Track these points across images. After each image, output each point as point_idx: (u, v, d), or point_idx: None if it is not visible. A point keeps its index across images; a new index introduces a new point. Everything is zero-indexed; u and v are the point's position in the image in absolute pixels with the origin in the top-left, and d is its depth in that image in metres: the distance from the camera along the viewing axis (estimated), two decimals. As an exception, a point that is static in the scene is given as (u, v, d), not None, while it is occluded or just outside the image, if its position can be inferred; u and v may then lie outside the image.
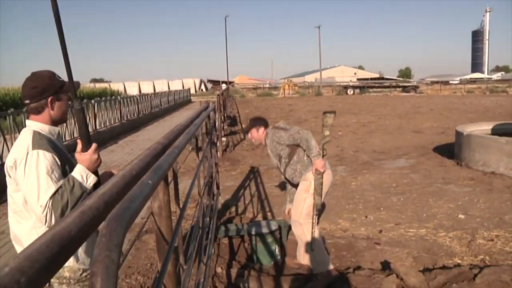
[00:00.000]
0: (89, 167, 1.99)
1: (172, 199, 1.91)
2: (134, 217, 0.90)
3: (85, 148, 1.99)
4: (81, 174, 1.97)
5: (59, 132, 2.29)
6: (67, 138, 13.99)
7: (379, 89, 51.07)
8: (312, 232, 4.09)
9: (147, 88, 60.18)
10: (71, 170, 2.05)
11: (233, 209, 6.25)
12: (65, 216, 0.87)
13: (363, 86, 50.60)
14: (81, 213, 0.89)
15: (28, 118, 2.18)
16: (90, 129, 14.03)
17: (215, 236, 4.41)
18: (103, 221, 0.98)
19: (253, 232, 4.46)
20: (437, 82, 58.89)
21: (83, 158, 1.99)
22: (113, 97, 17.70)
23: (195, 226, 2.53)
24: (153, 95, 24.72)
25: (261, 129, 4.51)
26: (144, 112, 20.99)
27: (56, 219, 1.90)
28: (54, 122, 2.20)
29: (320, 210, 4.47)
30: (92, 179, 2.00)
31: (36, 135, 2.07)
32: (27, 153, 1.99)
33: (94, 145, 2.01)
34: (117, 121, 16.68)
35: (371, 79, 62.99)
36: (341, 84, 53.50)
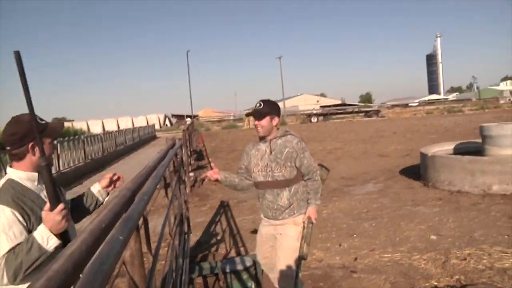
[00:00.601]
0: (51, 229, 1.83)
1: (143, 244, 1.83)
2: (107, 279, 0.82)
3: (51, 207, 1.84)
4: (42, 235, 1.83)
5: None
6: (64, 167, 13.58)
7: (342, 115, 52.07)
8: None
9: (111, 126, 59.40)
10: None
11: (206, 246, 6.11)
12: (32, 283, 0.78)
13: (327, 113, 51.48)
14: (47, 280, 0.81)
15: (10, 164, 2.10)
16: (53, 170, 13.78)
17: (189, 277, 4.27)
18: (72, 284, 0.90)
19: (227, 270, 4.35)
20: (397, 105, 60.70)
21: (47, 218, 1.84)
22: (76, 136, 17.32)
23: (168, 270, 2.42)
24: (117, 133, 24.41)
25: (276, 120, 3.55)
26: (108, 150, 20.66)
27: (8, 278, 1.81)
28: (38, 168, 2.08)
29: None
30: (53, 242, 1.84)
31: (6, 185, 2.00)
32: None
33: (59, 206, 1.85)
34: (81, 160, 16.32)
35: (334, 105, 64.16)
36: (305, 112, 54.23)
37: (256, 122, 3.49)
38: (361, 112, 53.47)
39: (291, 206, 3.47)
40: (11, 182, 2.02)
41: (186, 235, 4.56)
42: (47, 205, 1.85)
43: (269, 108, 3.49)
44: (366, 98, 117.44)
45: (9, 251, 1.82)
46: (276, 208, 3.48)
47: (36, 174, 2.08)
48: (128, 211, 1.32)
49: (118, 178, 2.59)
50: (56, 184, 2.09)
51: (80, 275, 0.88)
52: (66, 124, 53.13)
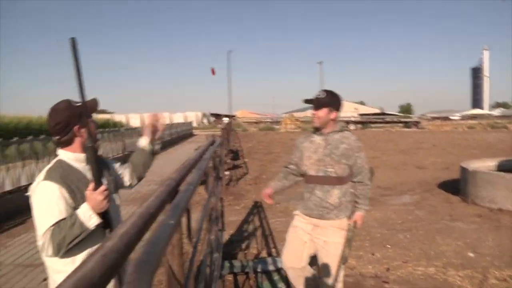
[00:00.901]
0: (94, 208, 1.96)
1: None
2: (159, 261, 0.85)
3: (95, 187, 1.97)
4: (85, 213, 1.94)
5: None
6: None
7: (380, 125, 51.30)
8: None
9: (149, 120, 60.39)
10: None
11: (237, 244, 6.14)
12: (87, 259, 0.81)
13: (365, 122, 50.83)
14: (103, 256, 0.84)
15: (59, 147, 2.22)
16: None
17: (220, 273, 4.30)
18: (123, 264, 0.93)
19: (259, 269, 4.37)
20: (437, 118, 59.29)
21: (90, 198, 1.97)
22: (116, 128, 17.73)
23: (203, 263, 2.46)
24: (156, 128, 24.71)
25: (334, 114, 3.29)
26: (146, 144, 20.95)
27: (52, 250, 1.92)
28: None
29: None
30: (94, 221, 1.96)
31: (56, 165, 2.12)
32: (37, 183, 2.04)
33: (101, 187, 1.99)
34: (120, 152, 16.67)
35: (373, 114, 63.31)
36: (343, 119, 53.73)
37: (314, 112, 3.28)
38: (401, 122, 52.58)
39: (340, 207, 3.26)
40: (60, 162, 2.14)
41: (219, 232, 4.60)
42: (91, 185, 1.98)
43: (329, 99, 3.28)
44: (406, 109, 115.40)
45: (54, 224, 1.93)
46: (324, 206, 3.26)
47: (83, 155, 2.17)
48: (176, 199, 1.36)
49: (157, 120, 2.68)
50: (101, 165, 2.24)
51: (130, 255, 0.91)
52: (107, 116, 54.55)
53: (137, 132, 19.65)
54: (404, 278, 4.88)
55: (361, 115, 62.48)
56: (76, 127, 2.13)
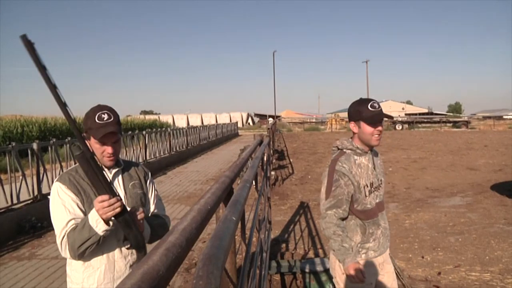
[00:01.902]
0: (100, 214, 1.88)
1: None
2: (227, 256, 0.85)
3: (99, 193, 1.88)
4: (93, 218, 1.89)
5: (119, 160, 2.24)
6: (151, 157, 14.41)
7: (428, 125, 49.97)
8: None
9: (195, 121, 61.43)
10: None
11: (284, 245, 6.13)
12: (150, 253, 0.83)
13: (412, 121, 49.61)
14: (166, 250, 0.86)
15: None
16: (140, 159, 14.29)
17: (267, 273, 4.30)
18: (185, 258, 0.94)
19: (306, 270, 4.33)
20: (489, 117, 57.10)
21: (95, 204, 1.89)
22: (163, 128, 18.08)
23: (254, 262, 2.45)
24: (201, 128, 25.10)
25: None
26: (192, 144, 21.33)
27: (69, 253, 1.95)
28: (99, 156, 2.13)
29: None
30: (101, 226, 1.89)
31: (73, 168, 2.16)
32: (54, 183, 2.10)
33: (99, 197, 1.86)
34: (166, 152, 17.00)
35: (420, 114, 61.81)
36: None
37: (379, 128, 2.69)
38: (449, 122, 50.95)
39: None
40: (78, 167, 2.09)
41: (266, 231, 4.60)
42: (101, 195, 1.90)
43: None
44: (455, 108, 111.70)
45: (67, 224, 1.97)
46: (388, 235, 2.90)
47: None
48: (235, 196, 1.37)
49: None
50: (125, 172, 2.27)
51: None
52: (154, 117, 55.76)
53: (183, 132, 19.96)
54: (456, 283, 4.72)
55: (408, 115, 61.12)
56: (84, 133, 2.08)
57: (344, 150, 2.74)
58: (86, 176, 1.99)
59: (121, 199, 1.88)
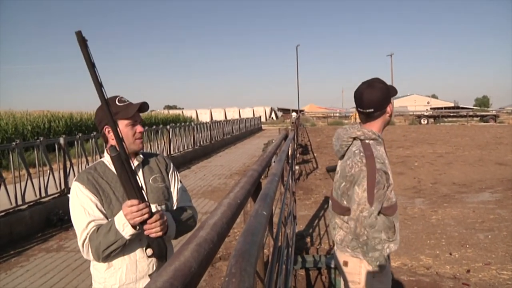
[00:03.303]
0: (128, 219, 1.82)
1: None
2: (260, 252, 0.82)
3: (128, 198, 1.80)
4: (120, 221, 1.83)
5: (144, 160, 2.17)
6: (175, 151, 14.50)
7: (454, 119, 49.06)
8: None
9: (218, 116, 61.60)
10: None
11: (308, 239, 6.10)
12: (181, 248, 0.80)
13: (438, 116, 48.78)
14: (198, 246, 0.83)
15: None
16: (165, 153, 14.45)
17: (293, 268, 4.27)
18: (216, 253, 0.92)
19: (332, 265, 4.28)
20: (519, 111, 55.66)
21: (124, 208, 1.82)
22: (187, 123, 18.18)
23: (281, 257, 2.43)
24: (225, 122, 25.16)
25: None
26: (216, 138, 21.41)
27: (92, 255, 1.90)
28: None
29: None
30: (128, 230, 1.83)
31: (92, 166, 2.08)
32: (73, 182, 2.03)
33: (129, 202, 1.79)
34: (190, 146, 17.11)
35: (445, 108, 60.70)
36: (414, 113, 51.87)
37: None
38: (477, 116, 49.88)
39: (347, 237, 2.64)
40: (98, 163, 2.09)
41: (291, 226, 4.57)
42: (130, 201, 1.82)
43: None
44: (482, 102, 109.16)
45: (88, 224, 1.91)
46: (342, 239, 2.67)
47: None
48: (264, 189, 1.34)
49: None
50: (147, 167, 2.17)
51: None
52: (177, 112, 56.14)
53: (207, 127, 20.04)
54: (487, 281, 4.60)
55: (433, 109, 60.11)
56: (105, 128, 2.04)
57: (367, 141, 2.44)
58: (104, 175, 2.01)
59: (149, 206, 1.82)
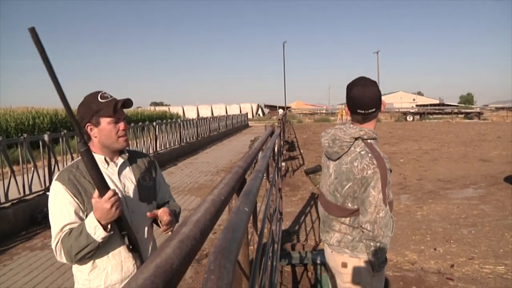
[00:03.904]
0: (100, 217, 1.74)
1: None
2: (239, 249, 0.82)
3: (100, 195, 1.73)
4: (90, 224, 1.76)
5: (129, 158, 2.11)
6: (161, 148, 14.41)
7: (439, 116, 49.58)
8: None
9: (205, 112, 61.46)
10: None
11: (295, 236, 6.12)
12: (163, 245, 0.80)
13: (423, 113, 49.24)
14: (180, 242, 0.83)
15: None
16: (151, 150, 14.40)
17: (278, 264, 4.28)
18: (199, 250, 0.91)
19: (318, 261, 4.30)
20: (502, 108, 56.34)
21: (96, 206, 1.74)
22: (174, 120, 18.10)
23: (266, 253, 2.43)
24: (211, 119, 25.10)
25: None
26: (202, 135, 21.36)
27: (65, 258, 1.84)
28: (107, 150, 2.02)
29: None
30: (100, 233, 1.76)
31: (74, 164, 1.98)
32: (53, 181, 1.95)
33: (108, 193, 1.72)
34: (176, 143, 17.04)
35: (431, 105, 61.27)
36: (400, 110, 52.28)
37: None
38: (461, 113, 50.55)
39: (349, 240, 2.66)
40: (81, 161, 1.88)
41: (277, 222, 4.58)
42: (96, 192, 1.74)
43: None
44: (467, 99, 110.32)
45: (63, 229, 1.84)
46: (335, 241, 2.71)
47: (102, 157, 2.00)
48: (247, 186, 1.34)
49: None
50: (134, 163, 2.13)
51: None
52: (164, 109, 55.85)
53: (194, 124, 19.97)
54: (470, 276, 4.67)
55: (419, 106, 60.65)
56: (87, 125, 1.94)
57: (369, 140, 2.44)
58: (87, 174, 1.87)
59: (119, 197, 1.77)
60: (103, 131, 1.93)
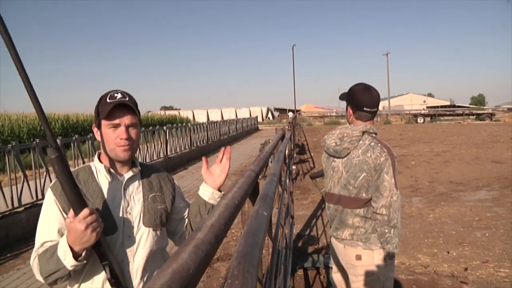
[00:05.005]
0: (74, 241, 1.46)
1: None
2: (261, 254, 0.82)
3: (75, 213, 1.46)
4: (62, 248, 1.48)
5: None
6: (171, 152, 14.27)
7: (450, 117, 49.24)
8: None
9: (215, 116, 61.59)
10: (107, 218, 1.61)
11: (306, 239, 6.09)
12: (179, 250, 0.79)
13: (434, 114, 48.93)
14: (196, 247, 0.83)
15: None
16: (161, 155, 14.46)
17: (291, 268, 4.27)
18: (214, 255, 0.91)
19: (330, 265, 4.27)
20: (516, 109, 55.79)
21: (69, 228, 1.47)
22: (184, 124, 18.17)
23: (279, 257, 2.43)
24: (221, 123, 25.19)
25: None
26: (213, 139, 21.42)
27: (37, 275, 1.57)
28: (111, 160, 1.73)
29: None
30: (69, 260, 1.47)
31: (77, 171, 1.72)
32: (48, 189, 1.70)
33: (84, 211, 1.45)
34: (187, 147, 17.11)
35: (442, 107, 60.89)
36: (411, 112, 51.99)
37: None
38: (473, 114, 50.13)
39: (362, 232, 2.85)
40: (83, 169, 1.75)
41: (290, 226, 4.57)
42: (71, 211, 1.48)
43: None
44: (478, 100, 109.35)
45: (42, 245, 1.61)
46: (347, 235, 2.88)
47: (102, 165, 1.72)
48: (263, 190, 1.34)
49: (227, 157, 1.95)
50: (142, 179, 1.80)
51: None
52: (174, 113, 56.07)
53: (204, 127, 20.03)
54: (485, 279, 4.61)
55: (429, 107, 60.30)
56: (93, 126, 1.75)
57: (373, 134, 2.72)
58: (85, 186, 1.67)
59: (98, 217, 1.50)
60: (103, 136, 1.69)
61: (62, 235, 1.57)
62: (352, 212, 2.68)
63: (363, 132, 2.66)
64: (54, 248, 1.52)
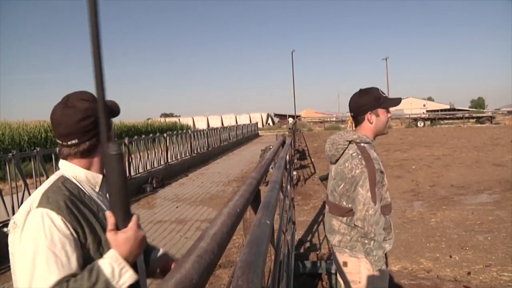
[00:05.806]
0: (128, 255, 1.21)
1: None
2: (265, 263, 0.81)
3: (122, 223, 1.17)
4: (113, 266, 1.19)
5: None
6: (172, 159, 14.26)
7: (450, 121, 49.23)
8: None
9: (215, 122, 61.58)
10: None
11: (308, 245, 6.07)
12: (182, 260, 0.79)
13: (434, 118, 48.92)
14: (199, 257, 0.82)
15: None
16: (162, 162, 14.49)
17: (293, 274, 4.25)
18: (217, 264, 0.91)
19: (332, 270, 4.27)
20: (516, 112, 55.77)
21: (121, 240, 1.19)
22: (184, 131, 18.17)
23: (282, 264, 2.42)
24: (221, 129, 25.16)
25: None
26: (213, 145, 21.39)
27: None
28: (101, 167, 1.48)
29: None
30: (128, 277, 1.20)
31: (58, 184, 1.39)
32: (29, 211, 1.29)
33: (135, 217, 1.20)
34: (187, 154, 17.09)
35: (442, 110, 60.90)
36: (411, 116, 51.96)
37: (390, 114, 2.75)
38: (473, 117, 50.14)
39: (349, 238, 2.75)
40: (65, 181, 1.41)
41: (291, 232, 4.56)
42: (111, 220, 1.17)
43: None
44: (478, 103, 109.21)
45: (59, 282, 1.19)
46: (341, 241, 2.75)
47: (100, 176, 1.47)
48: (266, 197, 1.33)
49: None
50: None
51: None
52: (174, 119, 56.01)
53: (204, 134, 20.03)
54: (488, 283, 4.59)
55: (430, 111, 60.30)
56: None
57: (362, 144, 2.56)
58: (83, 198, 1.39)
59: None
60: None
61: (81, 265, 1.25)
62: (337, 219, 2.65)
63: (350, 141, 2.59)
64: (93, 275, 1.19)
